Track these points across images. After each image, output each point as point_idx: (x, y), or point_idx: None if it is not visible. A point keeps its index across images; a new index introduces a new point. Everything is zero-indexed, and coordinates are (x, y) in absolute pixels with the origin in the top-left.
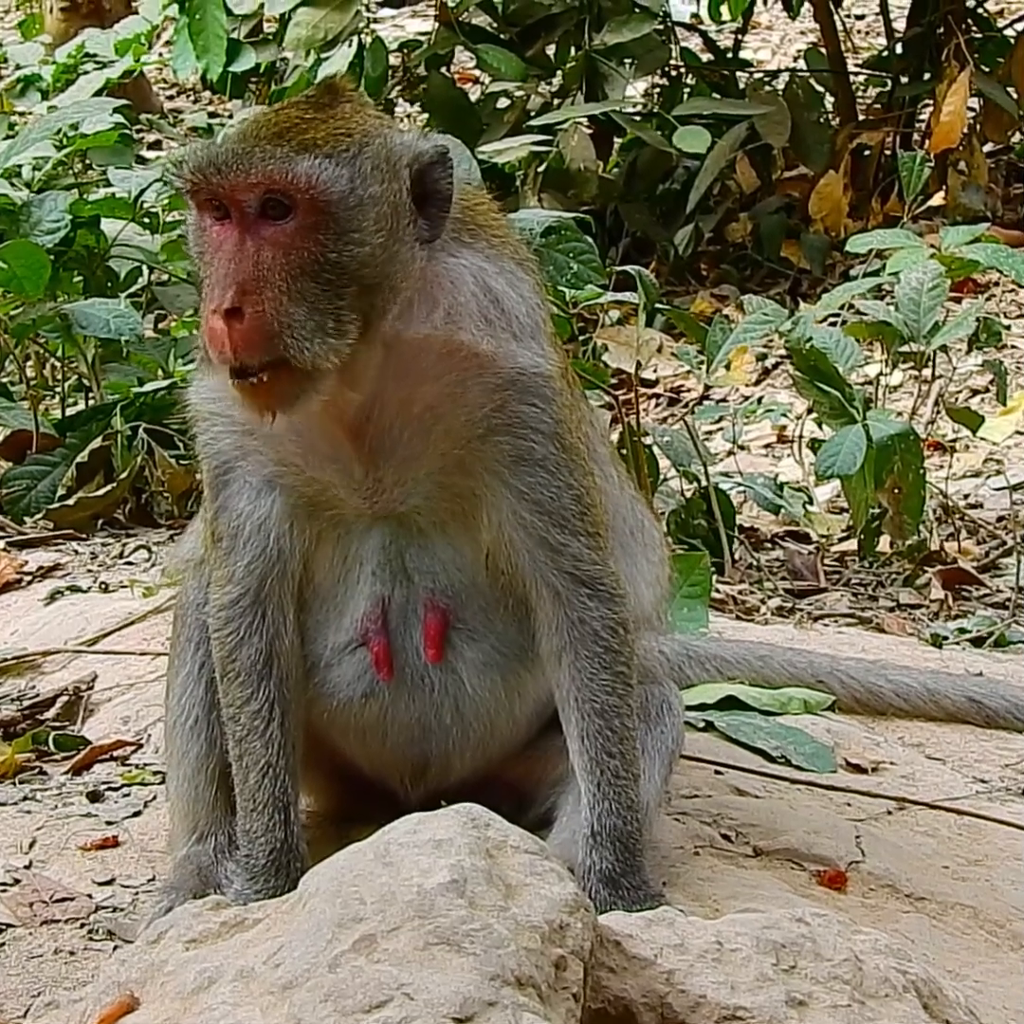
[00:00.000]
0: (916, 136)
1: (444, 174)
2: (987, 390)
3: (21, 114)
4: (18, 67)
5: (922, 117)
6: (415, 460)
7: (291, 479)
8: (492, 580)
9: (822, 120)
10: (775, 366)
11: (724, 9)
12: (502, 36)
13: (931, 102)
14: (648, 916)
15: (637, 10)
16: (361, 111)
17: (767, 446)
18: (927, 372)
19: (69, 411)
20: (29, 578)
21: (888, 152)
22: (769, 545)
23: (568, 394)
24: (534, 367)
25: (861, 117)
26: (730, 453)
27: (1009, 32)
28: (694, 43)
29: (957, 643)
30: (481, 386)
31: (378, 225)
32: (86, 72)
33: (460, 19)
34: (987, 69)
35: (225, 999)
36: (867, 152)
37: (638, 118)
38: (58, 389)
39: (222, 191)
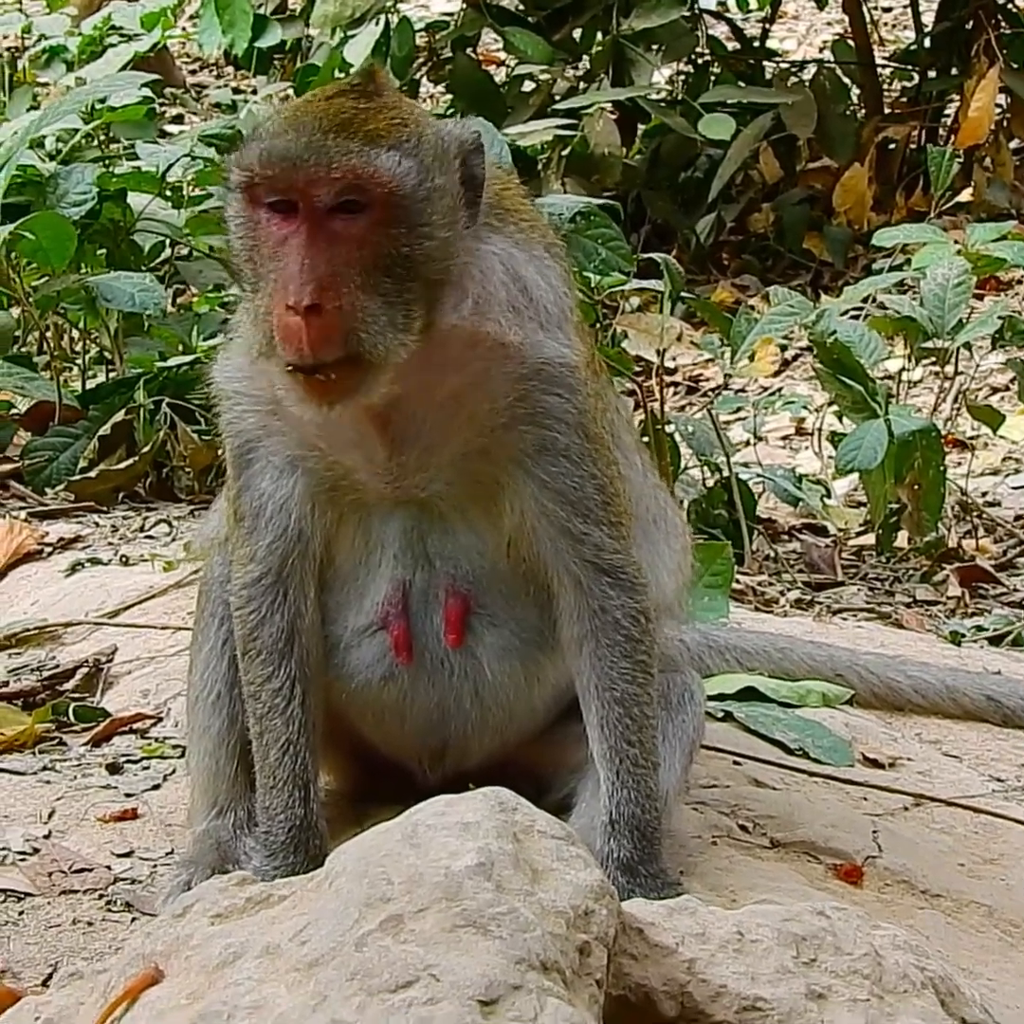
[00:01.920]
0: (942, 131)
1: (480, 160)
2: (1008, 388)
3: (44, 86)
4: (43, 38)
5: (948, 112)
6: (438, 447)
7: (313, 461)
8: (513, 567)
9: (848, 112)
10: (795, 358)
11: None
12: (529, 19)
13: (958, 97)
14: (670, 905)
15: None
16: (403, 100)
17: (785, 438)
18: (949, 369)
19: (89, 384)
20: (50, 549)
21: (914, 146)
22: (786, 537)
23: (593, 383)
24: (559, 357)
25: (887, 110)
26: (748, 444)
27: None
28: (721, 31)
29: (974, 641)
30: (506, 375)
31: (442, 217)
32: (112, 44)
33: (487, 1)
34: (1016, 66)
35: (250, 974)
36: (892, 146)
37: (663, 104)
38: (79, 361)
39: (295, 186)
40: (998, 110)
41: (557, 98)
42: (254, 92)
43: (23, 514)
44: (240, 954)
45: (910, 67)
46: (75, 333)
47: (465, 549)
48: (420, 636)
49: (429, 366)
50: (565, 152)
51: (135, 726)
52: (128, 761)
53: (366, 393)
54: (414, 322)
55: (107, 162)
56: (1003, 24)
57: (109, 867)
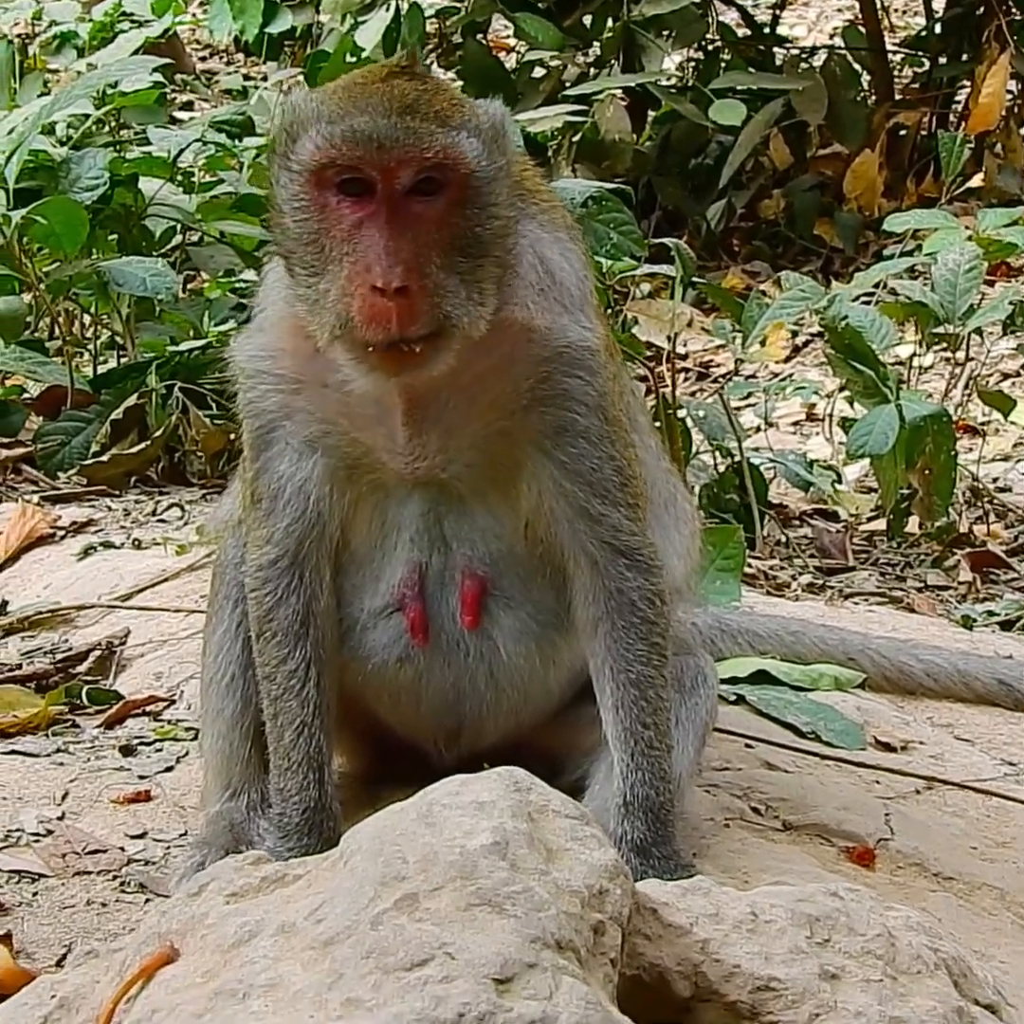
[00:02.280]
0: (953, 117)
1: (512, 139)
2: (1019, 374)
3: (54, 72)
4: (54, 24)
5: (959, 98)
6: (459, 429)
7: (334, 440)
8: (530, 548)
9: (859, 98)
10: (806, 344)
11: None
12: (539, 4)
13: (969, 83)
14: (684, 885)
15: None
16: (445, 81)
17: (796, 423)
18: (960, 354)
19: (101, 369)
20: (62, 533)
21: (924, 133)
22: (797, 522)
23: (612, 366)
24: (582, 341)
25: (898, 96)
26: (758, 429)
27: None
28: (731, 17)
29: (986, 625)
30: (529, 358)
31: (506, 197)
32: (123, 30)
33: None
34: None
35: (266, 953)
36: (903, 132)
37: (674, 91)
38: (91, 346)
39: (379, 167)
40: (1009, 96)
41: (567, 84)
42: (264, 79)
43: (35, 498)
44: (255, 933)
45: (921, 53)
46: (87, 318)
47: (482, 531)
48: (436, 618)
49: (461, 349)
50: (575, 138)
51: (148, 708)
52: (141, 743)
53: (438, 364)
54: (488, 298)
55: (118, 147)
56: (1014, 10)
57: (123, 848)
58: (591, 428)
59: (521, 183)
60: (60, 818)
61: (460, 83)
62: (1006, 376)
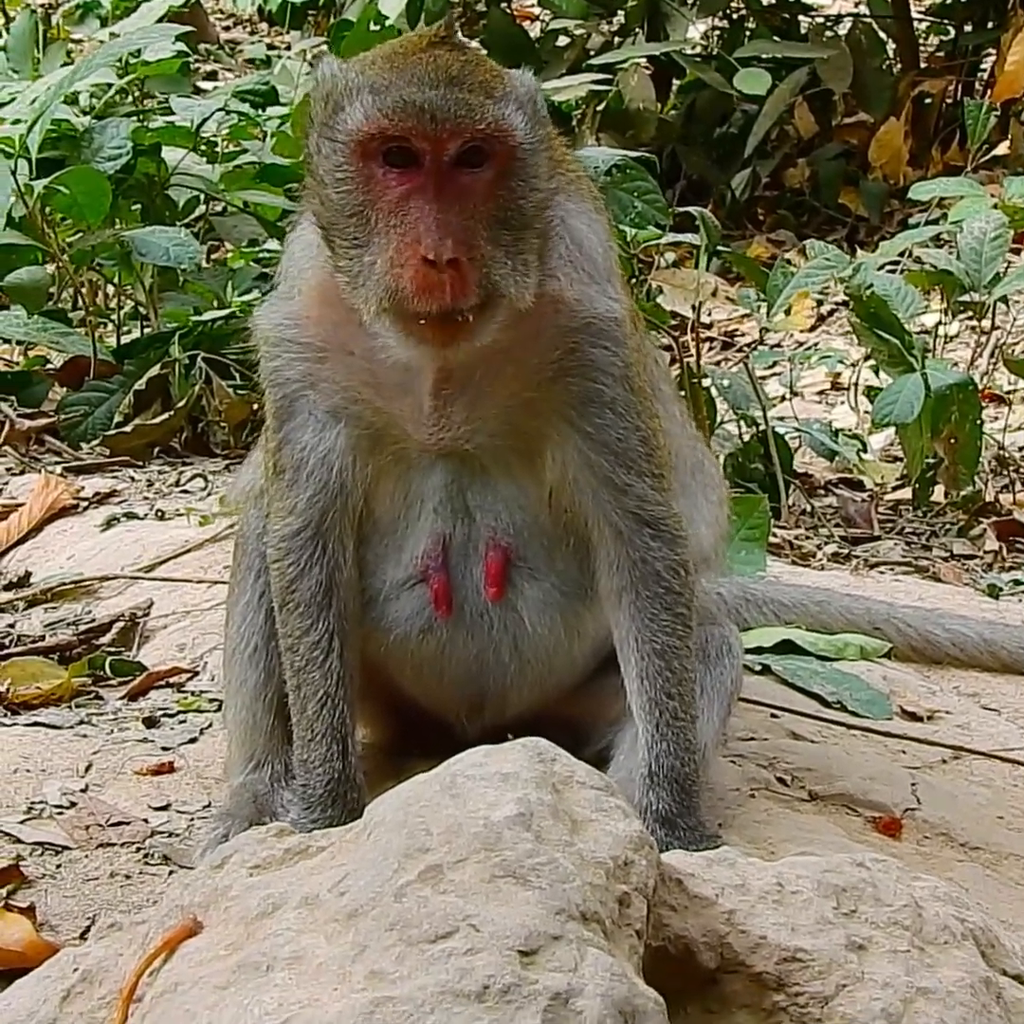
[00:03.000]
0: (978, 85)
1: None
2: None
3: (77, 42)
4: None
5: (984, 66)
6: (484, 399)
7: (358, 409)
8: (554, 519)
9: (884, 67)
10: (831, 313)
11: None
12: None
13: (994, 51)
14: (709, 856)
15: None
16: (481, 53)
17: (821, 393)
18: (986, 322)
19: (124, 339)
20: (85, 504)
21: (950, 101)
22: (822, 492)
23: (636, 336)
24: (608, 312)
25: (923, 65)
26: (783, 399)
27: None
28: None
29: (1012, 594)
30: (557, 329)
31: (547, 169)
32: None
33: None
34: None
35: (289, 925)
36: (928, 100)
37: (698, 59)
38: (114, 316)
39: (429, 138)
40: None
41: (592, 53)
42: (288, 48)
43: (59, 469)
44: (279, 905)
45: (946, 21)
46: (110, 288)
47: (506, 501)
48: (460, 589)
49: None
50: (600, 107)
51: (171, 680)
52: (164, 715)
53: (485, 335)
54: (532, 268)
55: (141, 117)
56: None
57: (146, 820)
58: (617, 398)
59: (551, 154)
60: (83, 790)
61: (485, 52)
62: None
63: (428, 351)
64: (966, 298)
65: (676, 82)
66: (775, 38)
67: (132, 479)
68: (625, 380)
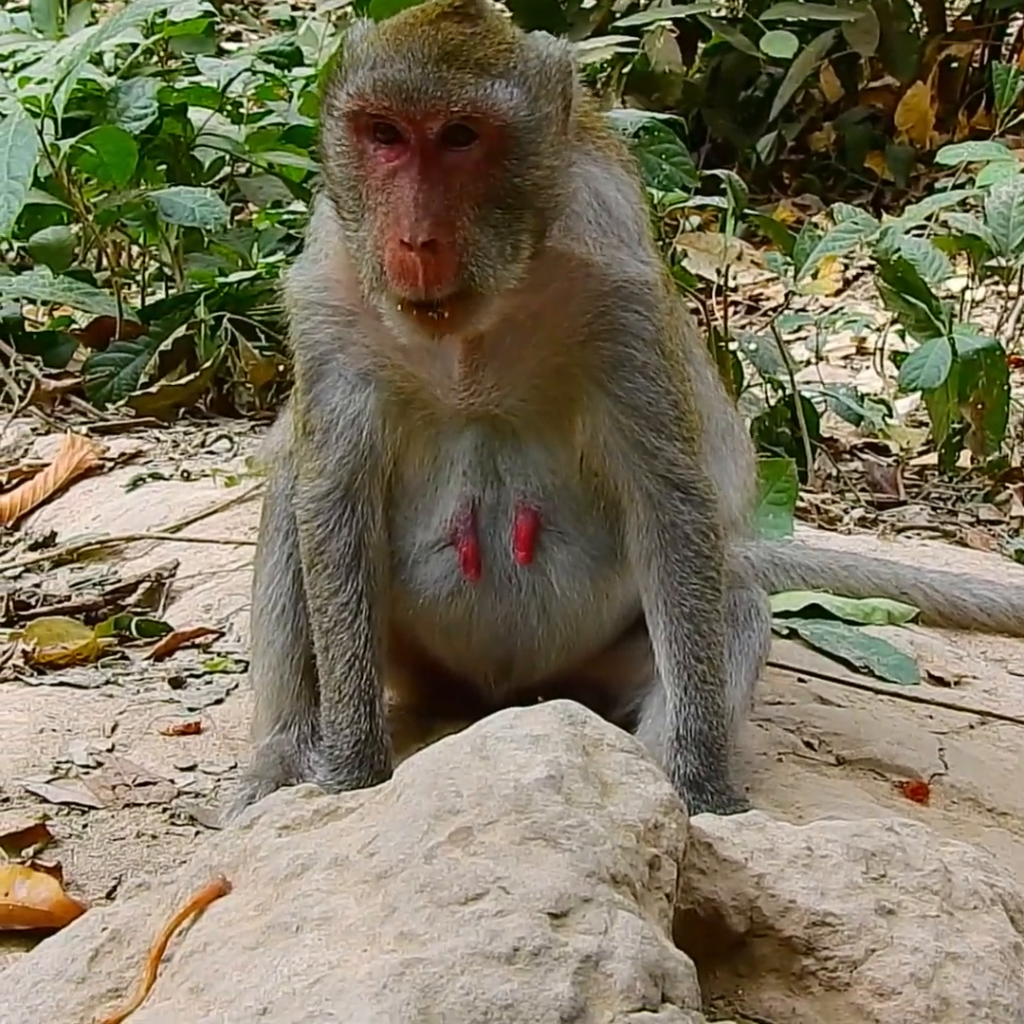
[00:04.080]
0: (1005, 49)
1: (575, 80)
2: None
3: (101, 1)
4: None
5: (1011, 30)
6: (515, 364)
7: (388, 373)
8: (584, 483)
9: (911, 30)
10: (857, 277)
11: None
12: None
13: (1022, 15)
14: (739, 819)
15: None
16: (503, 21)
17: (847, 357)
18: (1013, 287)
19: (150, 300)
20: (111, 464)
21: (977, 64)
22: (849, 456)
23: (668, 299)
24: (639, 275)
25: (950, 28)
26: (808, 363)
27: None
28: None
29: None
30: (587, 293)
31: (550, 146)
32: None
33: None
34: None
35: (319, 886)
36: (955, 64)
37: (725, 22)
38: (139, 277)
39: (408, 117)
40: None
41: (617, 15)
42: (313, 9)
43: (84, 430)
44: (308, 866)
45: None
46: (135, 249)
47: (536, 465)
48: (489, 552)
49: (519, 288)
50: (625, 70)
51: (197, 640)
52: (191, 675)
53: (476, 324)
54: (523, 251)
55: (167, 77)
56: None
57: (172, 781)
58: (649, 363)
59: (580, 120)
60: (110, 750)
61: (509, 14)
62: None
63: (423, 337)
64: (993, 263)
65: (702, 45)
66: (801, 1)
67: (158, 440)
68: (657, 344)
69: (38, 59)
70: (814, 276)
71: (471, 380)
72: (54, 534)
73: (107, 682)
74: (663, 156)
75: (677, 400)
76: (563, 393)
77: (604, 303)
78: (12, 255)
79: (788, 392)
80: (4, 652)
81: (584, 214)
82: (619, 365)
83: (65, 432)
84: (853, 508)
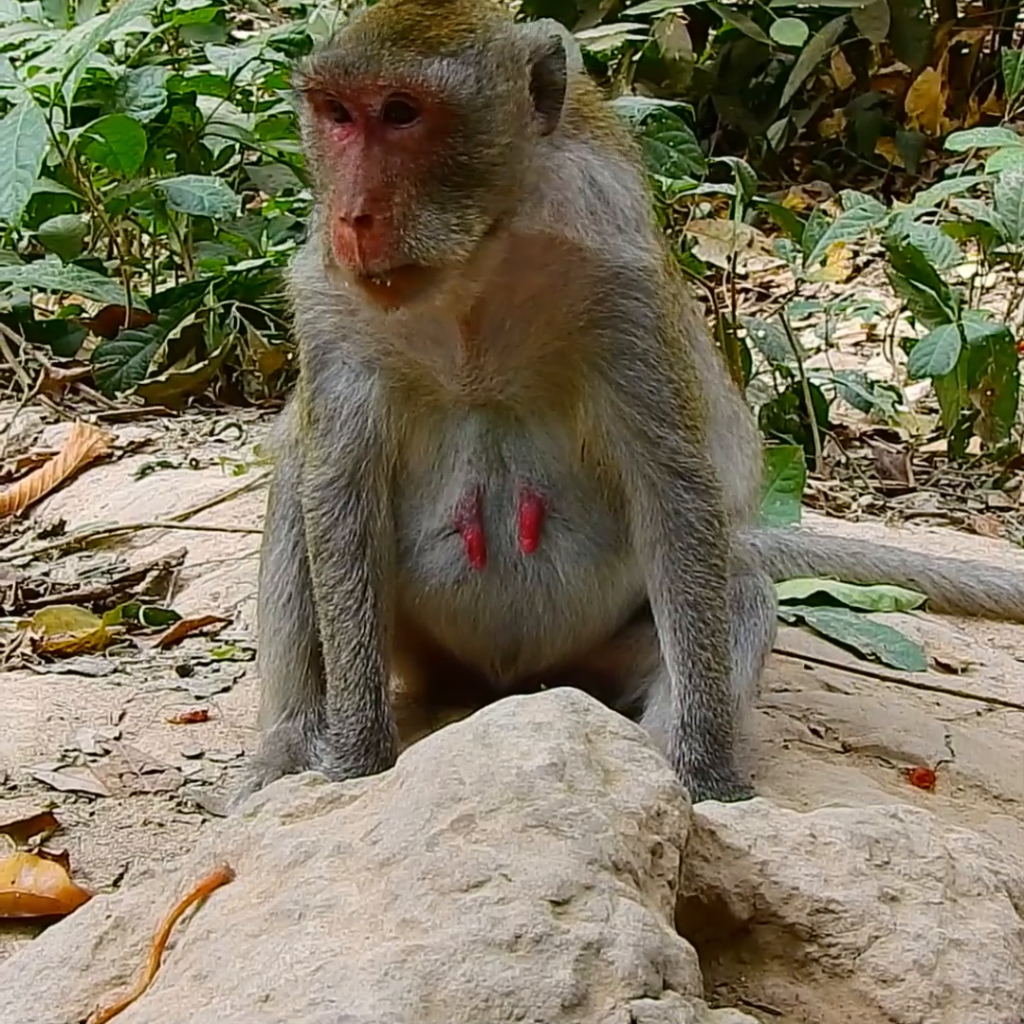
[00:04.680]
0: (1016, 35)
1: (560, 65)
2: None
3: None
4: None
5: (1022, 16)
6: (516, 349)
7: (391, 361)
8: (588, 471)
9: (921, 16)
10: (866, 264)
11: None
12: None
13: None
14: (742, 807)
15: None
16: (479, 4)
17: (856, 344)
18: (1022, 274)
19: (159, 288)
20: (119, 453)
21: (987, 51)
22: (858, 443)
23: (670, 286)
24: (637, 261)
25: (961, 14)
26: (818, 350)
27: None
28: None
29: None
30: (584, 279)
31: (505, 125)
32: None
33: None
34: None
35: (322, 873)
36: (965, 50)
37: (735, 9)
38: (149, 266)
39: (346, 94)
40: None
41: (628, 2)
42: None
43: (93, 418)
44: (311, 853)
45: None
46: (145, 237)
47: (540, 453)
48: (494, 540)
49: (509, 269)
50: (636, 57)
51: (205, 629)
52: (198, 663)
53: (430, 297)
54: (473, 226)
55: (177, 66)
56: None
57: (179, 768)
58: (649, 350)
59: (580, 108)
60: (117, 738)
61: (520, 2)
62: None
63: (377, 310)
64: (1003, 249)
65: (712, 32)
66: None
67: (166, 428)
68: (657, 331)
69: (48, 48)
70: (823, 263)
71: (474, 366)
72: (63, 522)
73: (115, 670)
74: (671, 143)
75: (679, 388)
76: (565, 380)
77: (603, 289)
78: (22, 244)
79: (797, 379)
80: (13, 640)
81: (575, 200)
82: (620, 352)
83: (74, 421)
84: (861, 495)
